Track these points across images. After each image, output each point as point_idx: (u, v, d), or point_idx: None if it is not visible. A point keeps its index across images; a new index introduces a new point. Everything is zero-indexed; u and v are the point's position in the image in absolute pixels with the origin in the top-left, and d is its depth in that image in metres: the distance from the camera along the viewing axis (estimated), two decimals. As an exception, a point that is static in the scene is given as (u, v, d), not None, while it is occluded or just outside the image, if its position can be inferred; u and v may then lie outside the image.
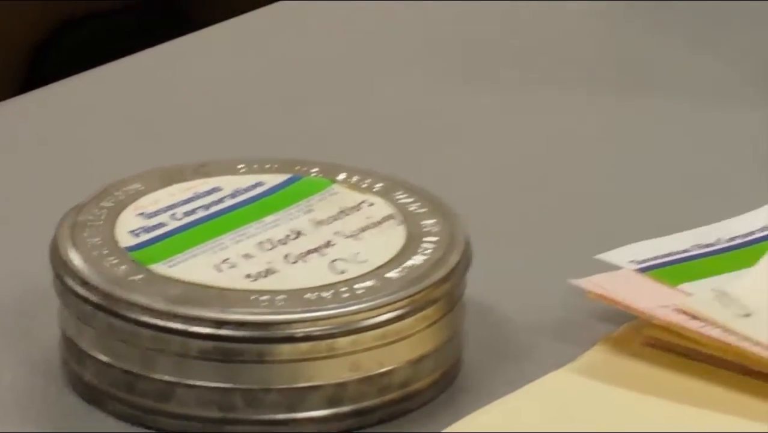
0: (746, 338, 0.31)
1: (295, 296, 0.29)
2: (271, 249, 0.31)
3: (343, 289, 0.29)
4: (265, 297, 0.29)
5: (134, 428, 0.30)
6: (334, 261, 0.31)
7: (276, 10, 0.56)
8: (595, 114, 0.48)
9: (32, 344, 0.32)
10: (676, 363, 0.32)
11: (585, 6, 0.57)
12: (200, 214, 0.32)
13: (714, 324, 0.32)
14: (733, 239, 0.37)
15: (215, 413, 0.29)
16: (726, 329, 0.31)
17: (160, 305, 0.28)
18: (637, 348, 0.33)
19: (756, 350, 0.31)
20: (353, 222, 0.32)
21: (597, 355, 0.33)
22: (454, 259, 0.31)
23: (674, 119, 0.48)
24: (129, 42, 0.57)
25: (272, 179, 0.33)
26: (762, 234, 0.38)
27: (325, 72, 0.51)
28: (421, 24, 0.56)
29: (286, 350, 0.29)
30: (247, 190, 0.33)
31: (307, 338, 0.29)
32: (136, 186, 0.33)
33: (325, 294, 0.29)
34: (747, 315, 0.32)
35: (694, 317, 0.32)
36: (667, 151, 0.42)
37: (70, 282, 0.30)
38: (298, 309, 0.29)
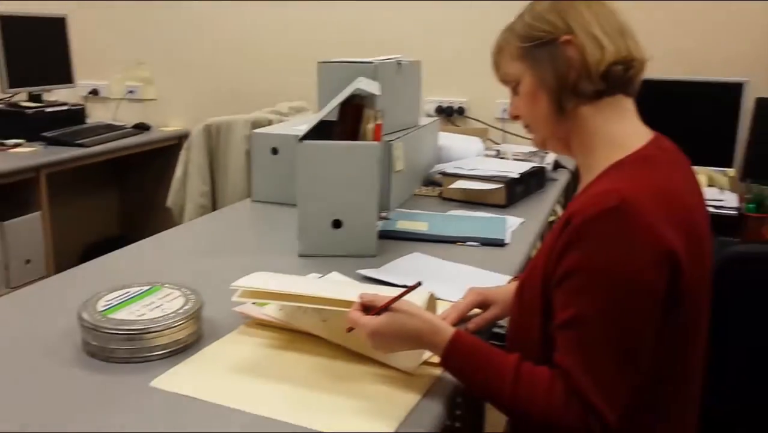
0: (278, 319, 1.16)
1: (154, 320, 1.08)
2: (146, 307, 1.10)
3: (168, 317, 1.09)
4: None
5: None
6: (161, 307, 1.11)
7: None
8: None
9: None
10: (270, 330, 1.16)
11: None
12: (124, 297, 1.11)
13: (271, 316, 1.16)
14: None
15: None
16: (274, 317, 1.16)
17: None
18: (254, 325, 1.16)
19: (284, 323, 1.15)
20: (169, 297, 1.13)
21: (243, 329, 1.16)
22: (197, 306, 1.12)
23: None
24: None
25: (138, 288, 1.14)
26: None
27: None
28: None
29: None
30: (138, 290, 1.13)
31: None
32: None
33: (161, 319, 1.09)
34: (281, 309, 1.16)
35: (268, 316, 1.16)
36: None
37: None
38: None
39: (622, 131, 1.04)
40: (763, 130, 2.34)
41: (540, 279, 0.98)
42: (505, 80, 1.12)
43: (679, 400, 1.02)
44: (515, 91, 1.10)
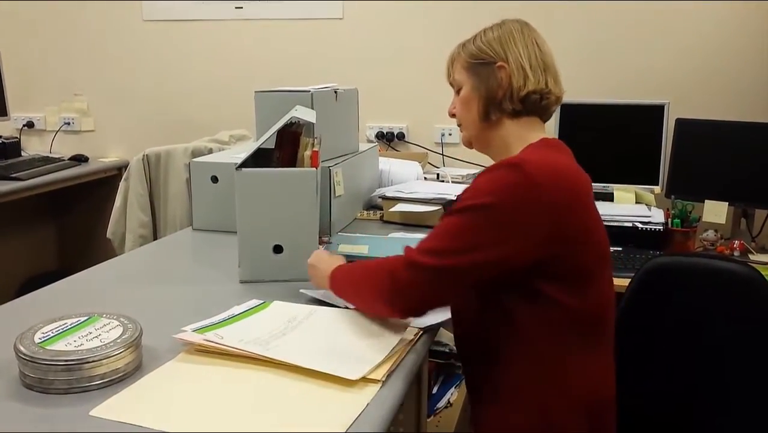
0: (222, 346, 1.17)
1: (92, 350, 1.08)
2: (82, 337, 1.10)
3: (106, 347, 1.09)
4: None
5: None
6: (99, 337, 1.11)
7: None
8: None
9: None
10: (211, 356, 1.17)
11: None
12: (61, 329, 1.11)
13: (215, 342, 1.17)
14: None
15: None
16: (218, 343, 1.17)
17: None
18: (194, 351, 1.18)
19: (225, 348, 1.17)
20: (107, 326, 1.13)
21: (183, 356, 1.17)
22: (135, 335, 1.13)
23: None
24: None
25: (76, 319, 1.14)
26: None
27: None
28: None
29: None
30: (75, 320, 1.13)
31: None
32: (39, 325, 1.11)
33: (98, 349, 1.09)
34: (221, 337, 1.18)
35: (209, 341, 1.18)
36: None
37: None
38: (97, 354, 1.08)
39: (532, 138, 1.34)
40: (684, 149, 2.46)
41: None
42: (452, 83, 1.42)
43: (594, 341, 1.25)
44: (458, 93, 1.40)
